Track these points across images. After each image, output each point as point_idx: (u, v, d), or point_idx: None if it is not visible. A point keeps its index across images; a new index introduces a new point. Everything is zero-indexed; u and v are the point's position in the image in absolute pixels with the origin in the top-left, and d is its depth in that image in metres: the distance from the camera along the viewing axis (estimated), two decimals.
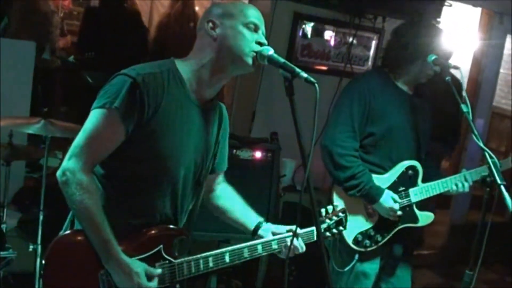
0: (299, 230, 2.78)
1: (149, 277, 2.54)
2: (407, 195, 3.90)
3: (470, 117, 3.39)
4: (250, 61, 2.55)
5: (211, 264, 2.69)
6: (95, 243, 2.47)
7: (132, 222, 2.60)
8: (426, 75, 3.87)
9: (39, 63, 5.74)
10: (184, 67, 2.60)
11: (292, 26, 5.60)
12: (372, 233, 3.88)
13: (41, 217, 4.12)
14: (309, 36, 5.68)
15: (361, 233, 3.86)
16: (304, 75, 2.37)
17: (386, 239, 3.90)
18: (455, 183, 3.94)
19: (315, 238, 2.86)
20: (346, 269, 3.92)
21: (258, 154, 4.65)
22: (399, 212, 3.82)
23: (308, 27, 5.67)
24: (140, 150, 2.52)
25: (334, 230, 2.98)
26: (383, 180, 3.87)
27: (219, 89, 2.70)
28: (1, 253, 3.94)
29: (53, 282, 2.53)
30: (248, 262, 5.05)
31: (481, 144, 3.32)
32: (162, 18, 7.17)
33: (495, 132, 8.75)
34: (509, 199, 3.08)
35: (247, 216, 2.96)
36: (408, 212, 3.91)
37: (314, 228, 2.85)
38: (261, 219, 2.95)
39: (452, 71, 3.62)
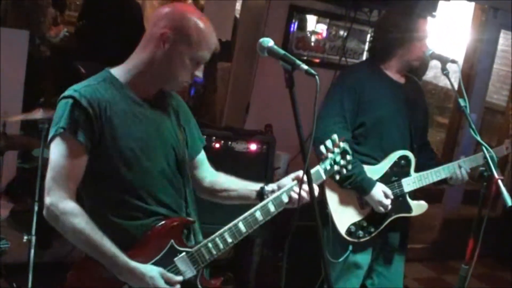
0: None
1: (168, 280, 2.53)
2: (400, 185, 3.89)
3: (468, 111, 3.39)
4: (178, 87, 2.67)
5: (229, 240, 2.66)
6: (103, 261, 2.47)
7: (131, 232, 2.58)
8: (417, 57, 3.87)
9: (33, 53, 5.69)
10: (121, 72, 2.59)
11: (287, 18, 5.59)
12: (365, 224, 3.87)
13: (35, 208, 4.09)
14: (304, 28, 5.68)
15: (354, 224, 3.86)
16: (305, 67, 2.37)
17: (379, 230, 3.90)
18: (449, 171, 3.92)
19: (324, 177, 2.82)
20: (339, 260, 3.91)
21: (253, 147, 4.65)
22: (389, 206, 3.81)
23: (304, 20, 5.66)
24: (107, 161, 2.51)
25: (342, 162, 2.89)
26: (375, 170, 3.87)
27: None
28: None
29: None
30: (240, 254, 5.11)
31: (479, 138, 3.33)
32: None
33: (487, 126, 8.78)
34: (507, 193, 3.08)
35: (247, 185, 2.91)
36: (401, 202, 3.91)
37: (318, 167, 2.83)
38: (261, 184, 2.89)
39: (450, 65, 3.61)
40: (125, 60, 2.62)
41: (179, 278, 2.56)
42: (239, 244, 4.48)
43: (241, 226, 2.68)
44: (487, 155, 3.25)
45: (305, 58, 5.63)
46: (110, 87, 2.54)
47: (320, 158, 2.88)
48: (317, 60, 5.74)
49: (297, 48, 5.65)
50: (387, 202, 3.79)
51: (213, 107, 7.73)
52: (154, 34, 2.55)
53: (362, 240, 3.87)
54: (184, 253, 2.60)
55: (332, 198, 3.88)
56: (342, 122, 3.81)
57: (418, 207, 3.96)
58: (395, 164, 3.89)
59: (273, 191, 2.81)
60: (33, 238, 4.09)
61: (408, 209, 3.93)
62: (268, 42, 2.50)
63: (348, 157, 2.91)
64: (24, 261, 4.11)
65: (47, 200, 2.44)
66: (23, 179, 5.52)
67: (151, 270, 2.50)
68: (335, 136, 2.89)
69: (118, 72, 2.60)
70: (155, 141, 2.61)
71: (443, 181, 4.00)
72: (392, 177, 3.89)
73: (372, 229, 3.88)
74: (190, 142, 2.83)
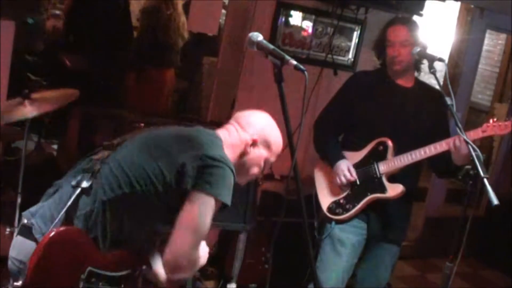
0: None
1: None
2: (376, 167, 4.10)
3: (454, 109, 3.41)
4: (245, 181, 3.00)
5: None
6: None
7: None
8: (388, 62, 4.13)
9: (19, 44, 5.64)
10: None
11: (274, 14, 5.58)
12: (343, 202, 4.19)
13: (19, 200, 4.06)
14: (290, 25, 5.67)
15: (334, 202, 4.23)
16: (294, 62, 2.40)
17: (356, 208, 4.13)
18: (430, 151, 3.93)
19: None
20: (324, 236, 4.25)
21: None
22: (351, 180, 4.09)
23: (290, 16, 5.66)
24: None
25: None
26: (356, 155, 4.19)
27: None
28: None
29: (38, 279, 2.53)
30: (224, 250, 5.11)
31: (465, 136, 3.35)
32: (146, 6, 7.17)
33: (471, 126, 8.78)
34: (492, 192, 3.08)
35: None
36: (377, 183, 4.09)
37: None
38: None
39: (437, 63, 3.63)
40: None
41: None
42: (222, 239, 4.51)
43: None
44: (473, 154, 3.26)
45: (291, 54, 5.60)
46: None
47: None
48: (303, 57, 5.72)
49: (284, 44, 5.63)
50: (348, 176, 4.08)
51: (198, 101, 7.73)
52: (244, 139, 2.90)
53: (341, 217, 4.19)
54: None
55: (319, 179, 4.36)
56: (337, 112, 4.29)
57: (393, 188, 4.07)
58: (373, 149, 4.12)
59: None
60: (16, 231, 4.05)
61: (383, 189, 4.09)
62: (258, 36, 2.54)
63: None
64: (6, 255, 4.08)
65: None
66: (6, 171, 5.49)
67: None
68: None
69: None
70: None
71: (443, 163, 4.02)
72: (369, 160, 4.14)
73: (349, 207, 4.16)
74: None
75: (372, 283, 4.35)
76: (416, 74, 4.21)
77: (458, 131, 3.35)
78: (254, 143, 2.89)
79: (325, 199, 4.26)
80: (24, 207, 4.00)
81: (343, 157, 4.17)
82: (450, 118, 3.80)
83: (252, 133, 2.90)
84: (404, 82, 4.16)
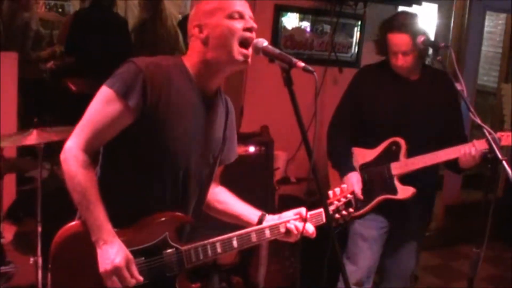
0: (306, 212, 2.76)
1: (131, 273, 2.46)
2: (388, 168, 4.08)
3: (465, 94, 3.40)
4: (240, 58, 2.52)
5: (219, 250, 2.65)
6: (87, 218, 2.45)
7: (130, 212, 2.56)
8: (395, 67, 4.06)
9: (22, 74, 5.66)
10: (188, 63, 2.59)
11: (273, 18, 5.58)
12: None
13: (39, 229, 4.06)
14: (290, 27, 5.67)
15: None
16: (302, 64, 2.36)
17: (367, 207, 4.15)
18: (445, 155, 3.92)
19: (323, 220, 2.82)
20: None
21: (251, 149, 4.63)
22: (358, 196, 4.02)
23: (289, 18, 5.66)
24: (141, 138, 2.51)
25: (344, 212, 2.93)
26: (369, 153, 4.17)
27: (222, 80, 2.68)
28: (2, 268, 3.88)
29: (60, 276, 2.52)
30: (248, 258, 5.09)
31: (479, 121, 3.34)
32: (136, 22, 7.20)
33: (480, 109, 8.78)
34: None
35: (249, 209, 2.92)
36: (388, 184, 4.08)
37: (321, 210, 2.80)
38: (263, 212, 2.91)
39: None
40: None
41: (141, 278, 2.49)
42: (244, 248, 4.45)
43: (234, 242, 2.68)
44: (489, 137, 3.25)
45: (293, 56, 5.58)
46: (178, 73, 2.56)
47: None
48: (306, 57, 5.72)
49: (286, 47, 5.63)
50: (356, 192, 3.94)
51: None
52: (192, 36, 2.59)
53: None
54: (174, 249, 2.58)
55: (334, 178, 4.31)
56: (347, 114, 4.26)
57: (404, 191, 4.07)
58: (386, 148, 4.09)
59: (273, 218, 2.86)
60: (39, 259, 4.07)
61: (394, 191, 4.08)
62: (263, 42, 2.50)
63: (350, 210, 2.96)
64: (32, 283, 4.10)
65: (68, 143, 2.48)
66: (24, 201, 5.50)
67: (122, 253, 2.44)
68: (344, 186, 3.00)
69: (187, 61, 2.60)
70: (195, 137, 2.61)
71: (452, 167, 4.05)
72: (382, 160, 4.11)
73: (360, 205, 4.08)
74: (226, 150, 2.84)
75: (397, 274, 4.40)
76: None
77: (471, 116, 3.33)
78: (199, 28, 2.55)
79: None
80: (46, 235, 4.05)
81: (352, 169, 4.15)
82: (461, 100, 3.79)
83: (191, 26, 2.59)
84: (411, 75, 4.11)
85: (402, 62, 3.96)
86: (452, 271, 6.52)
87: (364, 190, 4.10)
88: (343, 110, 4.31)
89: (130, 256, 2.47)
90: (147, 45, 6.96)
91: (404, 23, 3.92)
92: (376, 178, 4.11)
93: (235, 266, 5.11)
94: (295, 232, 2.76)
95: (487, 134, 3.26)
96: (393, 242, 4.31)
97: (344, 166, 4.18)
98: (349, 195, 2.96)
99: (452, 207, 7.23)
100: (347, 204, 2.95)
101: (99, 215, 2.44)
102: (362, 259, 4.23)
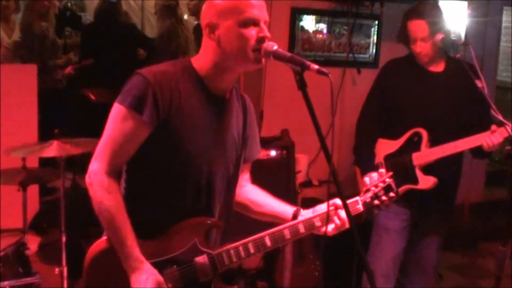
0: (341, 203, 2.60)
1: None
2: (410, 159, 4.11)
3: (486, 91, 3.39)
4: (253, 61, 2.48)
5: (252, 250, 2.60)
6: (116, 244, 2.45)
7: (158, 221, 2.56)
8: (417, 55, 4.11)
9: (41, 84, 5.71)
10: (198, 64, 2.57)
11: (290, 21, 5.58)
12: None
13: (63, 239, 4.08)
14: (307, 29, 5.67)
15: None
16: (315, 66, 2.29)
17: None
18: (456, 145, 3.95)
19: (361, 209, 2.74)
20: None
21: (273, 153, 4.63)
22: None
23: (306, 21, 5.66)
24: (160, 147, 2.49)
25: (384, 197, 2.78)
26: (391, 144, 4.21)
27: (234, 80, 2.66)
28: (28, 279, 3.90)
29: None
30: (273, 262, 5.09)
31: (501, 117, 3.32)
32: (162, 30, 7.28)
33: (500, 105, 8.70)
34: None
35: (283, 205, 2.85)
36: (410, 174, 4.10)
37: (358, 198, 2.75)
38: (298, 207, 2.84)
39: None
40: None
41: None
42: (268, 253, 4.46)
43: (267, 240, 2.63)
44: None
45: (312, 58, 5.60)
46: (187, 77, 2.53)
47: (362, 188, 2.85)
48: (324, 59, 5.71)
49: (304, 50, 5.64)
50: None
51: None
52: (204, 34, 2.53)
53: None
54: (205, 254, 2.56)
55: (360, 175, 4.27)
56: (373, 109, 4.32)
57: (425, 181, 4.09)
58: (409, 139, 4.13)
59: (308, 212, 2.78)
60: (65, 269, 4.09)
61: (415, 181, 4.11)
62: (273, 46, 2.44)
63: (391, 194, 2.80)
64: None
65: (91, 166, 2.48)
66: (47, 211, 5.53)
67: (152, 279, 2.45)
68: (382, 170, 2.86)
69: (197, 63, 2.57)
70: (213, 140, 2.59)
71: (477, 154, 4.09)
72: (404, 151, 4.15)
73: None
74: (249, 147, 2.82)
75: (419, 269, 4.43)
76: None
77: (493, 112, 3.32)
78: (210, 28, 2.49)
79: None
80: (70, 245, 4.07)
81: (373, 170, 4.07)
82: None
83: (204, 24, 2.52)
84: (435, 67, 4.16)
85: (420, 49, 4.03)
86: (479, 269, 6.46)
87: None
88: (371, 103, 4.36)
89: (160, 279, 2.48)
90: (172, 51, 7.01)
91: (423, 10, 4.03)
92: (398, 168, 4.13)
93: (260, 270, 5.10)
94: (338, 222, 2.67)
95: (508, 130, 3.24)
96: (414, 236, 4.33)
97: (365, 167, 4.19)
98: (387, 179, 2.80)
99: (476, 204, 7.17)
100: (387, 189, 2.79)
101: (127, 242, 2.44)
102: (386, 251, 4.27)
